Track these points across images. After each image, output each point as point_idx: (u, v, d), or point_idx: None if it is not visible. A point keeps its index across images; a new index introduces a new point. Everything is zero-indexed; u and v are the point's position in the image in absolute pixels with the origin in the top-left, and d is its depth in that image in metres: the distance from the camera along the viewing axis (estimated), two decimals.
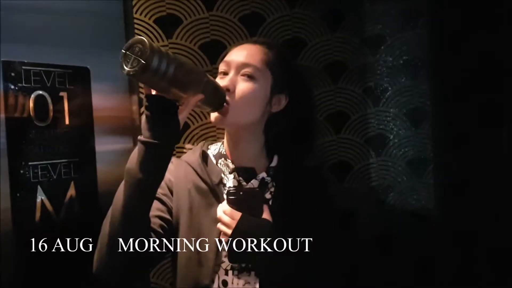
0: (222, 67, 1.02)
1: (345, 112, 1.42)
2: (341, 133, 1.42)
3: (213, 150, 1.10)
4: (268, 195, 1.03)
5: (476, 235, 1.48)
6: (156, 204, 0.98)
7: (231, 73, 0.99)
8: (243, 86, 0.98)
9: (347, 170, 1.43)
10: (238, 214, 0.92)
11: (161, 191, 0.99)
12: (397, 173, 1.47)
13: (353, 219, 1.43)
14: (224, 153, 1.07)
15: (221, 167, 1.05)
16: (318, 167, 1.38)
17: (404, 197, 1.48)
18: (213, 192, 1.01)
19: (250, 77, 0.98)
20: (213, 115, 0.99)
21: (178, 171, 1.05)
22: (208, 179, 1.02)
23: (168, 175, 1.05)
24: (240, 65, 0.99)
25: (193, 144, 1.30)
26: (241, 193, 0.95)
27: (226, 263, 0.97)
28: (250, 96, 0.98)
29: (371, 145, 1.44)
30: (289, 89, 1.06)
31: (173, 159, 1.09)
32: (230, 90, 0.96)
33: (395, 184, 1.47)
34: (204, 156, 1.07)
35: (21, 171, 1.08)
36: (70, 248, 1.15)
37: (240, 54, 1.00)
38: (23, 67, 1.09)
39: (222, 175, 1.04)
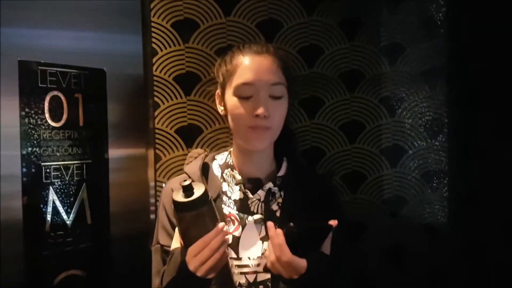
0: (244, 89, 0.96)
1: (361, 121, 1.40)
2: (356, 143, 1.40)
3: (219, 160, 1.08)
4: (275, 206, 1.01)
5: (491, 250, 1.45)
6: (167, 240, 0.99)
7: (262, 96, 0.95)
8: (277, 109, 0.97)
9: (361, 180, 1.41)
10: (300, 264, 0.86)
11: (167, 222, 1.01)
12: (412, 185, 1.44)
13: (365, 231, 1.40)
14: (232, 163, 1.05)
15: (227, 178, 1.04)
16: (327, 175, 1.36)
17: (418, 209, 1.45)
18: None
19: (280, 97, 0.98)
20: (254, 143, 0.97)
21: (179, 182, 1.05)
22: None
23: (170, 185, 1.06)
24: (268, 86, 0.96)
25: (205, 150, 1.30)
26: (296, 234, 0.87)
27: (236, 280, 0.95)
28: (283, 114, 1.00)
29: (386, 156, 1.42)
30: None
31: (175, 179, 1.10)
32: (267, 116, 0.95)
33: (409, 196, 1.44)
34: (205, 168, 1.05)
35: (34, 172, 1.08)
36: (79, 250, 1.14)
37: (263, 72, 0.97)
38: (39, 67, 1.10)
39: (222, 189, 1.03)
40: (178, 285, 0.87)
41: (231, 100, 0.99)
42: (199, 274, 0.84)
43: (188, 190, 0.84)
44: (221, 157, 1.09)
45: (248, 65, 0.98)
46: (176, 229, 0.94)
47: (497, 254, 1.43)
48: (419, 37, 1.45)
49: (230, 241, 0.97)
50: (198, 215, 0.85)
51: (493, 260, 1.44)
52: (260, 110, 0.94)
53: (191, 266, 0.84)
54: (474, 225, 1.46)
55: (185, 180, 0.86)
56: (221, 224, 0.88)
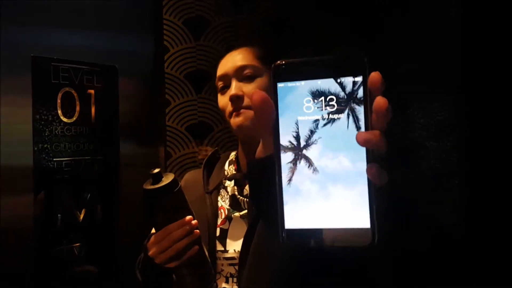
0: (220, 83, 1.00)
1: None
2: None
3: (231, 155, 1.10)
4: None
5: (502, 252, 1.43)
6: None
7: (233, 82, 0.97)
8: (251, 87, 0.96)
9: None
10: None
11: None
12: (423, 186, 1.43)
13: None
14: (234, 159, 1.06)
15: (230, 173, 1.04)
16: None
17: (430, 211, 1.44)
18: (205, 201, 1.01)
19: (252, 77, 0.97)
20: (235, 123, 0.96)
21: (194, 174, 1.08)
22: (202, 186, 1.03)
23: (185, 176, 1.09)
24: (237, 70, 0.97)
25: (215, 147, 1.30)
26: None
27: (226, 271, 0.96)
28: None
29: (397, 156, 1.41)
30: None
31: (193, 171, 1.12)
32: (240, 97, 0.94)
33: (421, 197, 1.43)
34: (211, 161, 1.08)
35: (46, 167, 1.08)
36: (89, 247, 1.15)
37: (231, 61, 0.99)
38: (52, 64, 1.10)
39: (225, 184, 1.03)
40: (143, 267, 0.90)
41: (218, 96, 1.02)
42: (157, 261, 0.85)
43: (156, 178, 0.84)
44: (233, 153, 1.10)
45: (223, 61, 1.02)
46: None
47: (508, 256, 1.42)
48: (429, 37, 1.44)
49: (218, 234, 0.98)
50: (164, 203, 0.84)
51: (504, 262, 1.43)
52: (230, 93, 0.95)
53: (150, 252, 0.85)
54: (486, 227, 1.45)
55: (154, 169, 0.86)
56: (188, 217, 0.87)
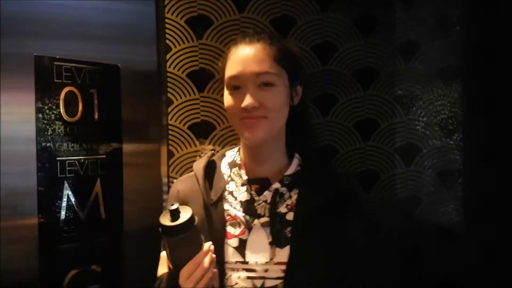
0: (231, 82, 0.95)
1: (375, 119, 1.39)
2: (370, 141, 1.39)
3: (228, 157, 1.06)
4: (283, 209, 0.97)
5: (505, 252, 1.43)
6: None
7: (249, 88, 0.92)
8: (268, 97, 0.93)
9: (374, 179, 1.39)
10: None
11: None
12: (426, 185, 1.43)
13: (378, 230, 1.39)
14: (239, 162, 1.02)
15: (234, 177, 1.01)
16: (348, 174, 1.33)
17: (432, 209, 1.43)
18: (208, 211, 0.97)
19: (269, 85, 0.93)
20: (248, 133, 0.93)
21: (186, 182, 1.03)
22: (205, 196, 0.98)
23: (176, 187, 1.04)
24: (254, 77, 0.92)
25: (218, 146, 1.30)
26: None
27: (240, 285, 0.93)
28: (279, 103, 0.94)
29: (400, 155, 1.41)
30: (302, 76, 1.01)
31: (181, 178, 1.09)
32: (256, 106, 0.91)
33: (423, 196, 1.43)
34: (211, 167, 1.03)
35: (49, 167, 1.09)
36: (92, 245, 1.15)
37: (249, 63, 0.93)
38: (55, 63, 1.11)
39: (229, 189, 1.00)
40: None
41: (225, 93, 0.97)
42: None
43: (175, 214, 0.86)
44: (230, 154, 1.06)
45: (236, 57, 0.96)
46: (163, 253, 0.93)
47: (510, 254, 1.41)
48: (435, 35, 1.43)
49: (236, 244, 0.95)
50: (185, 239, 0.85)
51: (506, 261, 1.42)
52: (245, 103, 0.91)
53: None
54: (489, 226, 1.44)
55: (172, 204, 0.87)
56: (207, 244, 0.88)
